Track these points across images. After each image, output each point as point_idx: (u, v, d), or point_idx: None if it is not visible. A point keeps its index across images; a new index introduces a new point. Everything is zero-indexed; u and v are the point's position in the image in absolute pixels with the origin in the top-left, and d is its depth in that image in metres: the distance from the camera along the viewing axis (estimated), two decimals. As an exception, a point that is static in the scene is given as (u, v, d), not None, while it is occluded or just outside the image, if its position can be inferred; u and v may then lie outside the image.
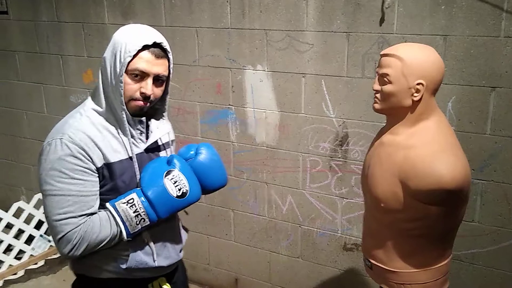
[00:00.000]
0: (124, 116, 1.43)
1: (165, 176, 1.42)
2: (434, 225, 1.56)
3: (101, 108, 1.46)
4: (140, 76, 1.41)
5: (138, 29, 1.44)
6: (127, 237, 1.42)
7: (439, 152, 1.48)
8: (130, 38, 1.39)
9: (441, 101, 2.22)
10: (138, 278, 1.57)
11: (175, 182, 1.43)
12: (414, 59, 1.50)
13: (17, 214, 3.45)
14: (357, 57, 2.39)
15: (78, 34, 3.24)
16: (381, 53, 1.58)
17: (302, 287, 2.92)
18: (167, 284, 1.67)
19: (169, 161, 1.48)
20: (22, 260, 3.51)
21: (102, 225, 1.40)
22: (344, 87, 2.47)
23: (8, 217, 3.41)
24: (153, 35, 1.42)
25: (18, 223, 3.47)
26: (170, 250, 1.63)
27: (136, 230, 1.42)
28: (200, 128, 2.95)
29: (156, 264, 1.56)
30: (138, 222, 1.41)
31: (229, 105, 2.82)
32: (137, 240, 1.50)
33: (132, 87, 1.41)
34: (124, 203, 1.40)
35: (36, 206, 3.55)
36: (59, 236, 1.38)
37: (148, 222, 1.42)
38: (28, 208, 3.52)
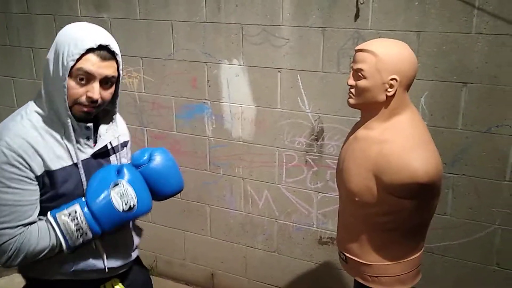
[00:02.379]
0: (69, 121, 1.35)
1: (112, 188, 1.36)
2: (407, 219, 1.58)
3: (44, 112, 1.38)
4: (86, 79, 1.33)
5: (82, 30, 1.35)
6: (67, 250, 1.35)
7: (413, 147, 1.50)
8: (73, 40, 1.31)
9: (414, 97, 2.25)
10: (89, 279, 1.52)
11: (122, 195, 1.36)
12: (388, 55, 1.52)
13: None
14: (333, 52, 2.41)
15: (50, 27, 3.16)
16: (356, 48, 1.60)
17: (278, 281, 2.94)
18: (120, 284, 1.62)
19: (119, 171, 1.41)
20: None
21: (40, 237, 1.33)
22: (320, 82, 2.48)
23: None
24: (98, 37, 1.33)
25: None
26: (121, 251, 1.57)
27: (77, 244, 1.35)
28: (176, 123, 2.93)
29: (106, 265, 1.50)
30: (79, 236, 1.34)
31: (205, 99, 2.80)
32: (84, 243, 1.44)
33: (77, 91, 1.33)
34: (66, 215, 1.33)
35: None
36: None
37: (91, 236, 1.36)
38: None
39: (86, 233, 1.34)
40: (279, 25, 2.49)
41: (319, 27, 2.40)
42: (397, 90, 1.53)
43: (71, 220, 1.32)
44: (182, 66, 2.80)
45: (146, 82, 2.93)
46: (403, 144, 1.51)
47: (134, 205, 1.38)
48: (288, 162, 2.68)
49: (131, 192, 1.38)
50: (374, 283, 1.70)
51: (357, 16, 2.31)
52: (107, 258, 1.51)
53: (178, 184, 1.56)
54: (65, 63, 1.29)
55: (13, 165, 1.30)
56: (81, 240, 1.35)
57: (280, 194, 2.76)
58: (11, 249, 1.31)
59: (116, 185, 1.36)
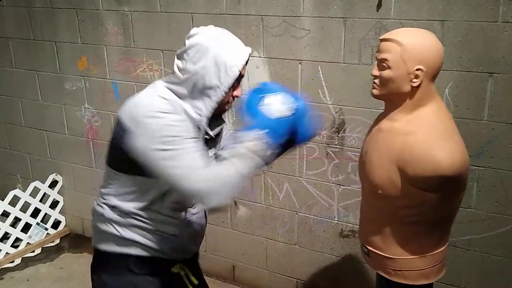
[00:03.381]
0: (206, 120, 1.47)
1: (265, 102, 1.45)
2: (432, 212, 1.56)
3: (186, 106, 1.46)
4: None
5: (232, 38, 1.49)
6: (266, 164, 1.46)
7: (437, 138, 1.48)
8: (234, 50, 1.45)
9: (439, 87, 2.18)
10: (167, 258, 1.63)
11: (280, 102, 1.45)
12: (413, 44, 1.49)
13: (13, 202, 3.44)
14: (354, 43, 2.37)
15: (72, 20, 3.20)
16: (380, 38, 1.57)
17: (299, 274, 2.94)
18: (185, 268, 1.73)
19: (260, 90, 1.50)
20: (19, 248, 3.51)
21: (235, 164, 1.41)
22: (341, 74, 2.45)
23: (4, 205, 3.40)
24: (247, 49, 1.49)
25: (14, 211, 3.46)
26: (200, 237, 1.75)
27: (270, 158, 1.46)
28: (196, 115, 2.93)
29: (192, 249, 1.72)
30: (267, 149, 1.43)
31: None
32: (185, 223, 1.61)
33: (230, 94, 1.49)
34: (248, 141, 1.43)
35: (32, 194, 3.54)
36: (204, 191, 1.36)
37: (275, 145, 1.45)
38: (24, 196, 3.51)
39: (270, 144, 1.44)
40: (300, 16, 2.47)
41: (341, 18, 2.37)
42: (423, 81, 1.50)
43: (252, 141, 1.42)
44: (203, 58, 2.80)
45: (167, 75, 2.93)
46: (427, 135, 1.48)
47: (294, 105, 1.46)
48: (309, 155, 2.67)
49: (282, 97, 1.47)
50: (398, 277, 1.67)
51: (379, 5, 2.27)
52: (193, 240, 1.70)
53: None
54: (229, 73, 1.42)
55: (182, 120, 1.42)
56: (270, 152, 1.45)
57: (300, 186, 2.75)
58: (219, 186, 1.37)
59: (266, 98, 1.46)
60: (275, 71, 2.62)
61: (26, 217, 3.55)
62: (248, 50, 1.49)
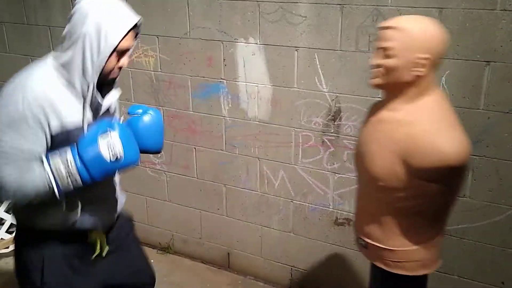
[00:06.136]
0: (92, 87, 1.46)
1: (101, 138, 1.42)
2: (434, 202, 1.54)
3: (70, 74, 1.46)
4: (122, 53, 1.48)
5: (118, 7, 1.45)
6: (59, 195, 1.41)
7: (442, 128, 1.45)
8: (115, 19, 1.41)
9: (435, 76, 2.19)
10: (80, 229, 1.65)
11: (109, 146, 1.42)
12: (419, 32, 1.44)
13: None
14: (351, 30, 2.35)
15: (66, 4, 3.16)
16: (382, 25, 1.52)
17: (294, 261, 2.95)
18: (103, 236, 1.74)
19: (110, 125, 1.48)
20: (13, 234, 3.50)
21: (35, 178, 1.41)
22: (338, 61, 2.43)
23: (-2, 191, 3.38)
24: (133, 17, 1.46)
25: (9, 197, 3.44)
26: (109, 210, 1.75)
27: (68, 190, 1.42)
28: (192, 102, 2.92)
29: (94, 223, 1.66)
30: (70, 182, 1.40)
31: (221, 79, 2.78)
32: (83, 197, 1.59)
33: (113, 64, 1.47)
34: (58, 160, 1.40)
35: (27, 180, 3.52)
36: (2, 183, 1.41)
37: (81, 183, 1.42)
38: (19, 182, 3.49)
39: (76, 180, 1.41)
40: (297, 2, 2.44)
41: (338, 4, 2.34)
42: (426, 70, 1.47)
43: (63, 165, 1.39)
44: (198, 45, 2.78)
45: (162, 61, 2.92)
46: (431, 125, 1.45)
47: (120, 157, 1.44)
48: (305, 143, 2.66)
49: (118, 144, 1.44)
50: (397, 268, 1.65)
51: (377, -8, 2.25)
52: (93, 216, 1.66)
53: (159, 144, 1.67)
54: (109, 42, 1.40)
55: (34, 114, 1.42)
56: (71, 186, 1.42)
57: (296, 174, 2.74)
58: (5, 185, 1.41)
59: (106, 136, 1.43)
60: (271, 58, 2.60)
61: (20, 203, 3.53)
62: (134, 19, 1.45)
